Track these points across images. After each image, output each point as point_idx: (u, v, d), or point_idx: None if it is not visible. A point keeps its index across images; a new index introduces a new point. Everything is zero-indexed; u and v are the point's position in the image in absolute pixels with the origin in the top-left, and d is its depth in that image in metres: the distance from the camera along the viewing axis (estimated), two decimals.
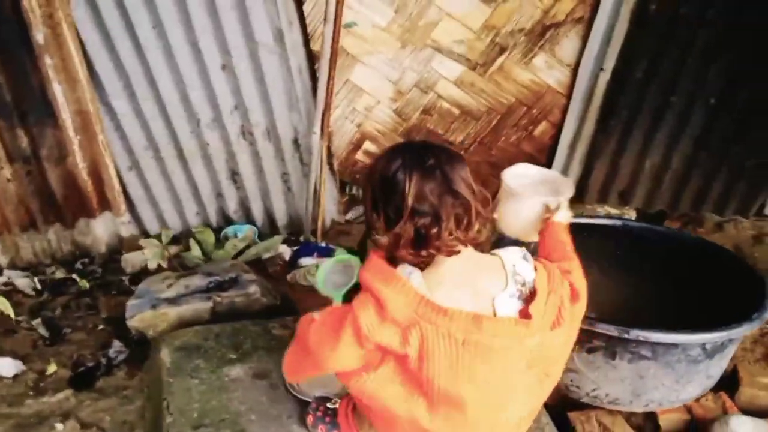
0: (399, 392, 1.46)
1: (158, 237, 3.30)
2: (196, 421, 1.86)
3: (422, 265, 1.43)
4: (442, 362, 1.39)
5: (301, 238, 3.41)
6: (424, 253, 1.39)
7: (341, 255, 2.30)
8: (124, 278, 3.06)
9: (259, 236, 3.37)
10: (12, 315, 2.68)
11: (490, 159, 3.49)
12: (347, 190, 3.60)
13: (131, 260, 3.16)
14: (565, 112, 3.33)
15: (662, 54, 3.12)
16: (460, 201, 1.38)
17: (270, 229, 3.53)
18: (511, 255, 1.46)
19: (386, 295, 1.38)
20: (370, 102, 3.28)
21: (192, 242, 2.87)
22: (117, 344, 2.53)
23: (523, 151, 3.48)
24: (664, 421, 2.06)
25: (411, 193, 1.37)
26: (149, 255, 2.80)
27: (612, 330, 1.80)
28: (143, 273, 3.07)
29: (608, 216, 3.32)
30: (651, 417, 2.09)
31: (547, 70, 3.23)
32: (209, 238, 2.89)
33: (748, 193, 3.64)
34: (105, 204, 3.19)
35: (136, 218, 3.35)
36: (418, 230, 1.38)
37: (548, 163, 3.52)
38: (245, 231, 3.39)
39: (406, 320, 1.38)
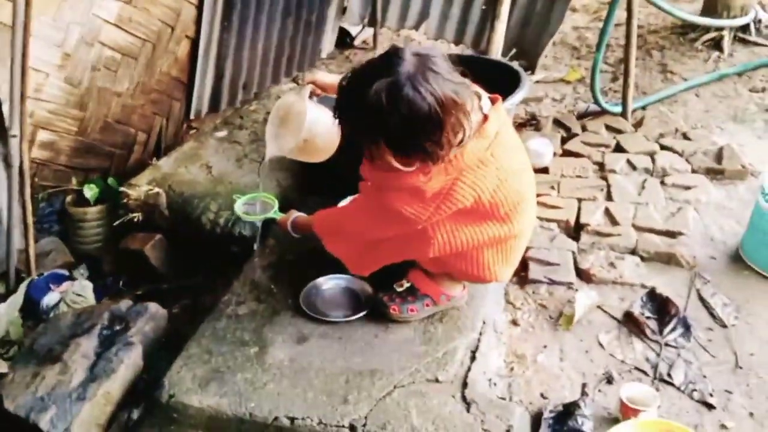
0: (474, 230, 1.65)
1: None
2: None
3: None
4: (493, 181, 1.57)
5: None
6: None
7: (257, 193, 2.15)
8: None
9: None
10: None
11: (151, 98, 3.26)
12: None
13: None
14: (198, 23, 3.34)
15: None
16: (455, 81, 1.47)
17: None
18: None
19: (421, 183, 1.52)
20: (39, 80, 2.56)
21: None
22: None
23: (174, 78, 3.36)
24: None
25: (440, 108, 1.38)
26: None
27: None
28: None
29: None
30: None
31: None
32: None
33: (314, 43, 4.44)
34: None
35: None
36: (454, 131, 1.45)
37: (190, 82, 3.52)
38: None
39: (446, 183, 1.53)
